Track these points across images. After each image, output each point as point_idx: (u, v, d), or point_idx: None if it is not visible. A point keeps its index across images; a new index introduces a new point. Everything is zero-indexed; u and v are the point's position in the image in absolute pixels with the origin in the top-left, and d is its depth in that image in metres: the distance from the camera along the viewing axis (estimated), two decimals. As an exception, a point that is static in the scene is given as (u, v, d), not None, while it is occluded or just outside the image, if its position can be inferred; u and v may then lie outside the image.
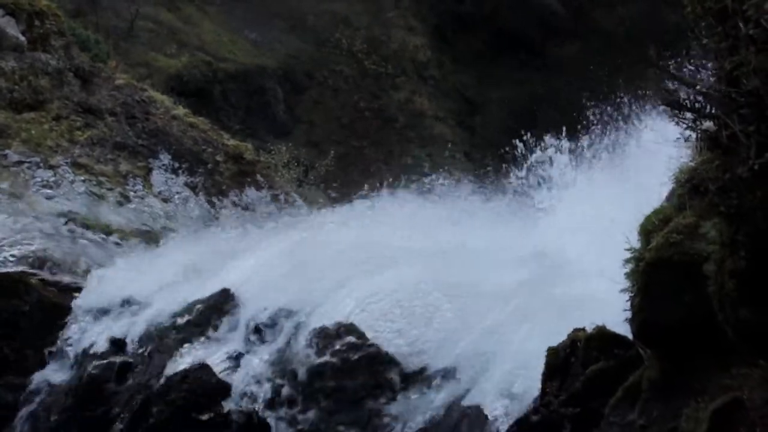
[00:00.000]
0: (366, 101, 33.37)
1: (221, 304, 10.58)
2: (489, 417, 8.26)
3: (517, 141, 13.04)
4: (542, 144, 12.79)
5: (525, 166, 12.94)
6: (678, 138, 5.69)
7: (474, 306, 9.34)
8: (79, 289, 12.02)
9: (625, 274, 6.62)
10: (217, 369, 10.07)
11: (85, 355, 11.08)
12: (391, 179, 13.88)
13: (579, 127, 13.54)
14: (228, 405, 9.84)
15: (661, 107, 5.47)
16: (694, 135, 5.51)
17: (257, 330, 10.21)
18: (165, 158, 15.87)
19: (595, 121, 13.47)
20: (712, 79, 5.57)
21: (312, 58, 33.61)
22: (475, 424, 8.38)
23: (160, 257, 12.39)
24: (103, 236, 13.53)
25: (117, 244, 13.50)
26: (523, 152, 12.89)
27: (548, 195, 12.54)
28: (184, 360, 10.23)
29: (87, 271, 12.50)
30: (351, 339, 9.44)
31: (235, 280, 10.84)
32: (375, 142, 32.45)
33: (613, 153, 12.56)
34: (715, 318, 5.95)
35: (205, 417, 9.86)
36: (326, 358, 9.45)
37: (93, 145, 15.46)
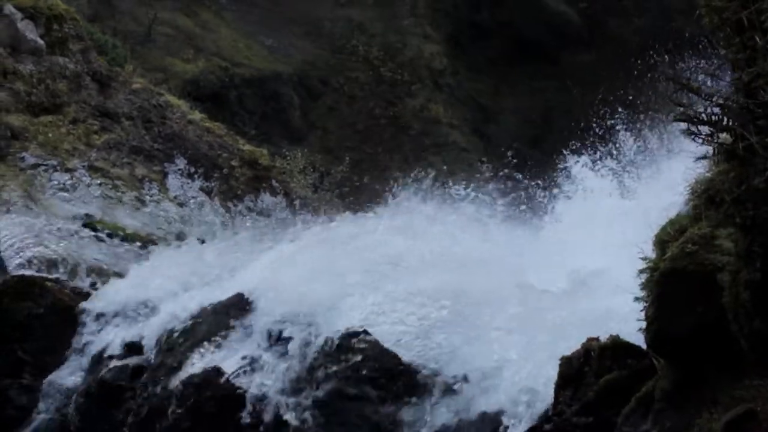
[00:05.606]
0: (381, 108, 33.37)
1: (236, 308, 10.60)
2: (501, 425, 8.26)
3: (530, 150, 13.07)
4: (555, 153, 12.80)
5: (538, 174, 12.94)
6: (693, 153, 5.69)
7: (487, 314, 9.35)
8: (93, 293, 12.07)
9: (639, 284, 6.63)
10: (230, 373, 10.08)
11: (100, 358, 11.13)
12: (405, 186, 13.87)
13: (593, 135, 13.54)
14: (240, 409, 9.85)
15: (676, 124, 5.46)
16: (711, 150, 5.51)
17: (271, 335, 10.23)
18: (181, 163, 15.92)
19: (608, 130, 13.47)
20: (727, 89, 5.57)
21: (327, 65, 33.64)
22: (487, 432, 8.39)
23: (175, 261, 12.42)
24: (119, 240, 13.58)
25: (132, 247, 13.53)
26: (537, 161, 12.90)
27: (560, 204, 12.53)
28: (197, 364, 10.25)
29: (102, 275, 12.54)
30: (364, 346, 9.46)
31: (249, 285, 10.86)
32: (390, 149, 32.44)
33: (624, 162, 12.55)
34: (729, 329, 5.95)
35: (217, 421, 9.87)
36: (339, 364, 9.46)
37: (109, 149, 15.52)
